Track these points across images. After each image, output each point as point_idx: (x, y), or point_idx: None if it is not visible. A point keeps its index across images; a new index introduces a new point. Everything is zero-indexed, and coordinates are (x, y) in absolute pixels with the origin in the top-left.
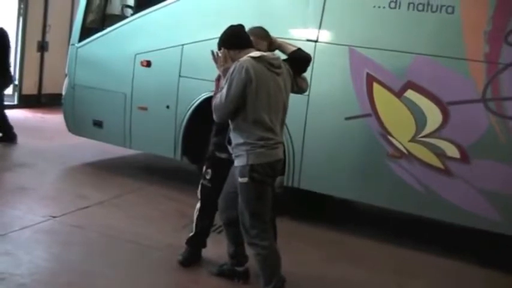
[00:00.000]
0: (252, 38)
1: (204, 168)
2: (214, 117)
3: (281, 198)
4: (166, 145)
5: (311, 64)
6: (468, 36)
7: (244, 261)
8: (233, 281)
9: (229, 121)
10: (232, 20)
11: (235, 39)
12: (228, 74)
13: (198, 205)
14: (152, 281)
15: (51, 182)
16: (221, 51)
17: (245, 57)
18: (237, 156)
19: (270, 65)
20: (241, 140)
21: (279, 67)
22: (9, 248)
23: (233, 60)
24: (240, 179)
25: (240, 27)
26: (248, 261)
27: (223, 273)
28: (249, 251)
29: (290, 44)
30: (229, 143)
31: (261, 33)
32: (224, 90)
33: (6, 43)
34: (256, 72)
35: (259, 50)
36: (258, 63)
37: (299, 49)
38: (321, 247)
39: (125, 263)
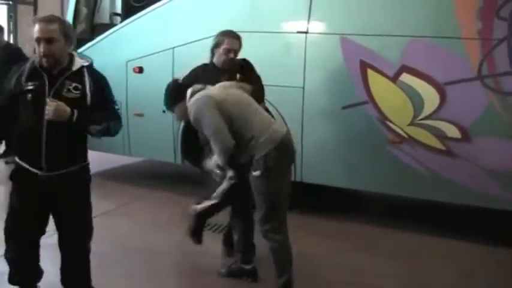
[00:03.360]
0: (225, 38)
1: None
2: (224, 160)
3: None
4: (166, 150)
5: (304, 56)
6: (460, 14)
7: (252, 256)
8: (242, 280)
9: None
10: (222, 16)
11: (175, 94)
12: (196, 120)
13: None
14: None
15: None
16: (176, 112)
17: (192, 99)
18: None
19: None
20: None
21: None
22: None
23: (185, 111)
24: (254, 173)
25: (170, 85)
26: (255, 255)
27: (232, 273)
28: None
29: None
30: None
31: (235, 34)
32: (210, 133)
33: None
34: (208, 91)
35: (232, 48)
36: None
37: None
38: (330, 238)
39: (137, 272)
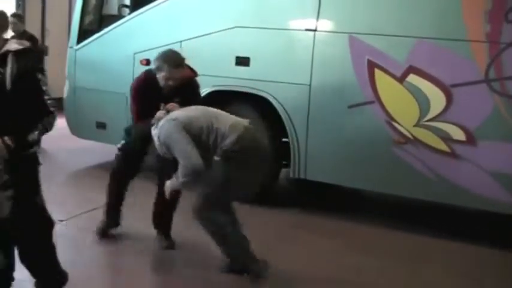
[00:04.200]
0: (165, 66)
1: None
2: (193, 180)
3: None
4: None
5: (311, 53)
6: (468, 16)
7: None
8: (242, 276)
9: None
10: (230, 11)
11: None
12: (165, 144)
13: None
14: (164, 280)
15: (56, 186)
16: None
17: (159, 125)
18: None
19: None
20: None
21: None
22: (16, 253)
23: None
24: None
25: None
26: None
27: (233, 268)
28: None
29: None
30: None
31: (176, 62)
32: (180, 156)
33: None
34: (171, 115)
35: (171, 77)
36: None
37: None
38: (332, 237)
39: (135, 264)
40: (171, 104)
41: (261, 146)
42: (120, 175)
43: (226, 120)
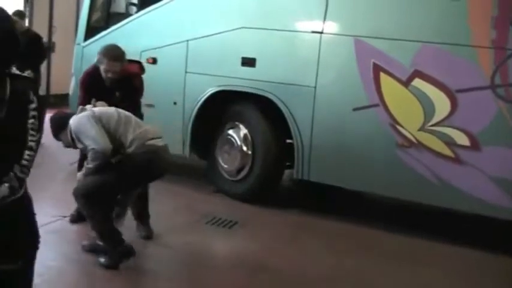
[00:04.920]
0: (105, 59)
1: None
2: (101, 162)
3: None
4: (175, 142)
5: (317, 55)
6: (474, 22)
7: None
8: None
9: None
10: (237, 12)
11: (58, 125)
12: (76, 133)
13: None
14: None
15: (60, 182)
16: (62, 139)
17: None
18: None
19: None
20: None
21: None
22: None
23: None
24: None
25: (52, 117)
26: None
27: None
28: None
29: None
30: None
31: (115, 55)
32: (89, 140)
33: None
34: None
35: (110, 70)
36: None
37: None
38: (331, 239)
39: (135, 262)
40: (100, 102)
41: (155, 167)
42: None
43: (136, 132)
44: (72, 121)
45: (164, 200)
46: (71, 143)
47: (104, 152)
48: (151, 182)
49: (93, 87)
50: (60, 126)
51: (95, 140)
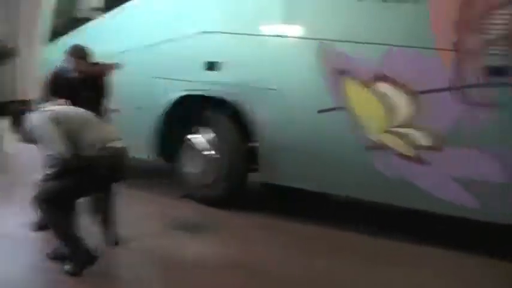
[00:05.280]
0: (72, 58)
1: None
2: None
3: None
4: (141, 146)
5: (280, 58)
6: (436, 25)
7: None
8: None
9: None
10: (201, 18)
11: (16, 119)
12: (32, 132)
13: None
14: (135, 283)
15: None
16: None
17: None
18: None
19: None
20: None
21: None
22: None
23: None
24: None
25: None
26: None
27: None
28: None
29: None
30: None
31: (80, 53)
32: (45, 142)
33: None
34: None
35: (77, 68)
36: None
37: None
38: (301, 240)
39: (103, 268)
40: (62, 100)
41: (117, 169)
42: None
43: (97, 133)
44: (32, 119)
45: (132, 206)
46: (29, 138)
47: (62, 158)
48: (112, 183)
49: (59, 87)
50: (17, 121)
51: (52, 144)
